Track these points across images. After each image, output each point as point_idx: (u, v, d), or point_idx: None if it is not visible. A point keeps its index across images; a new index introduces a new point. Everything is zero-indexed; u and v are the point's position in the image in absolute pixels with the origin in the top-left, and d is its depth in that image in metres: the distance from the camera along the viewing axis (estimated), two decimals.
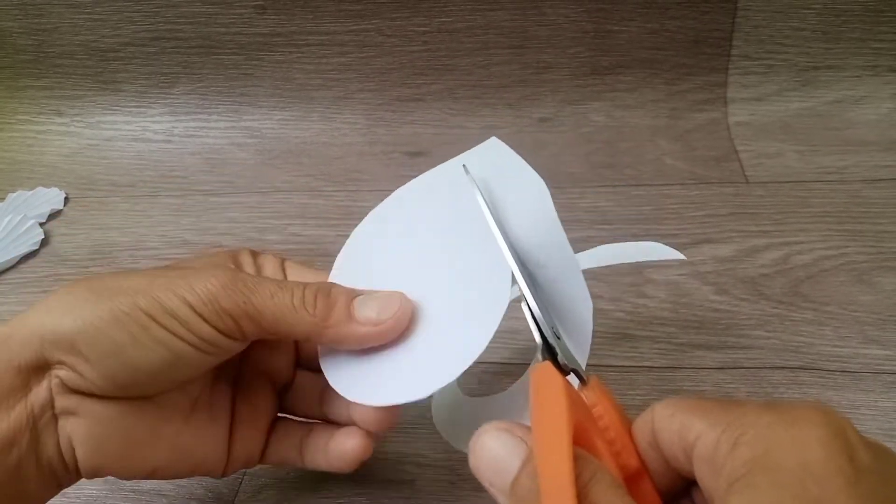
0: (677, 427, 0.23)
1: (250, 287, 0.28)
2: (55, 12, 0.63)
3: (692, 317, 0.46)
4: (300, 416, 0.35)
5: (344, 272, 0.33)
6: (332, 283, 0.31)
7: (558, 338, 0.27)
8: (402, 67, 0.65)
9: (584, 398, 0.25)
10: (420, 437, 0.39)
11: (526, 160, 0.62)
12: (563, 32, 0.63)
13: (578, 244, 0.52)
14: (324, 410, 0.34)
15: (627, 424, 0.25)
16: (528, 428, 0.23)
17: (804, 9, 0.62)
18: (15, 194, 0.60)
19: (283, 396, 0.35)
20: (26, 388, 0.26)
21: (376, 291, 0.31)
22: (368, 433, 0.32)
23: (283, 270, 0.34)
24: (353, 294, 0.30)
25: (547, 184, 0.59)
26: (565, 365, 0.26)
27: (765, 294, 0.47)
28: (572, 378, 0.26)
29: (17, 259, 0.54)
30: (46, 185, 0.61)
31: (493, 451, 0.23)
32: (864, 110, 0.63)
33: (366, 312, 0.29)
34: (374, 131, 0.65)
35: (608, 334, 0.44)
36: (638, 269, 0.50)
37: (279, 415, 0.35)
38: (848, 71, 0.63)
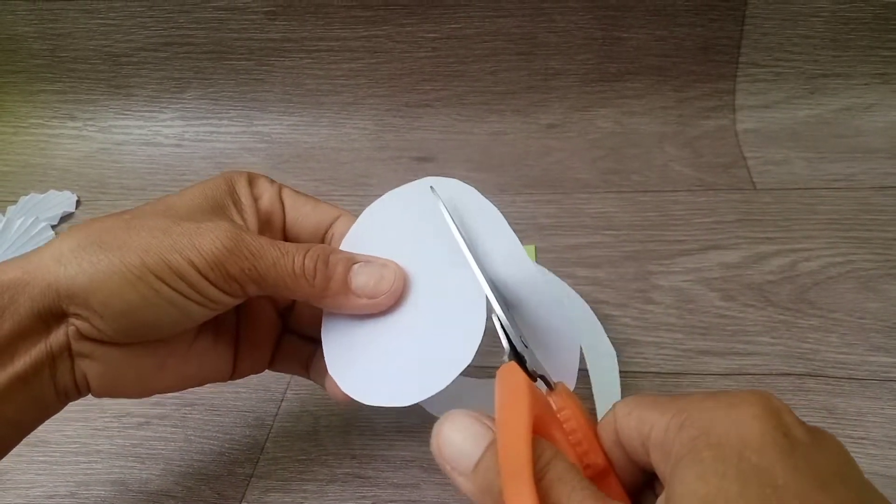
0: (635, 422, 0.24)
1: (254, 253, 0.29)
2: (69, 18, 0.64)
3: (699, 323, 0.46)
4: (304, 335, 0.36)
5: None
6: (331, 249, 0.32)
7: (526, 346, 0.28)
8: (410, 73, 0.65)
9: (552, 402, 0.27)
10: (425, 442, 0.39)
11: (534, 165, 0.63)
12: (572, 39, 0.63)
13: (584, 249, 0.52)
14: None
15: (593, 426, 0.26)
16: (487, 417, 0.25)
17: (812, 17, 0.62)
18: (27, 197, 0.61)
19: (287, 316, 0.36)
20: (46, 331, 0.28)
21: (373, 259, 0.32)
22: None
23: (281, 199, 0.34)
24: (351, 261, 0.32)
25: (554, 189, 0.59)
26: (533, 371, 0.27)
27: (771, 300, 0.47)
28: (540, 384, 0.27)
29: None
30: (58, 188, 0.62)
31: (458, 436, 0.24)
32: (872, 118, 0.63)
33: (362, 282, 0.31)
34: (383, 136, 0.66)
35: (614, 340, 0.44)
36: (645, 275, 0.50)
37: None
38: (856, 79, 0.63)
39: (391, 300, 0.31)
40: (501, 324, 0.29)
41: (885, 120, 0.63)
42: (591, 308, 0.46)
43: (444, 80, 0.65)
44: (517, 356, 0.28)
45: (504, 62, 0.65)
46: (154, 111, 0.67)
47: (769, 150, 0.62)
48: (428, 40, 0.64)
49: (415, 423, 0.40)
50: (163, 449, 0.40)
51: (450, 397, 0.29)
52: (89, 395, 0.31)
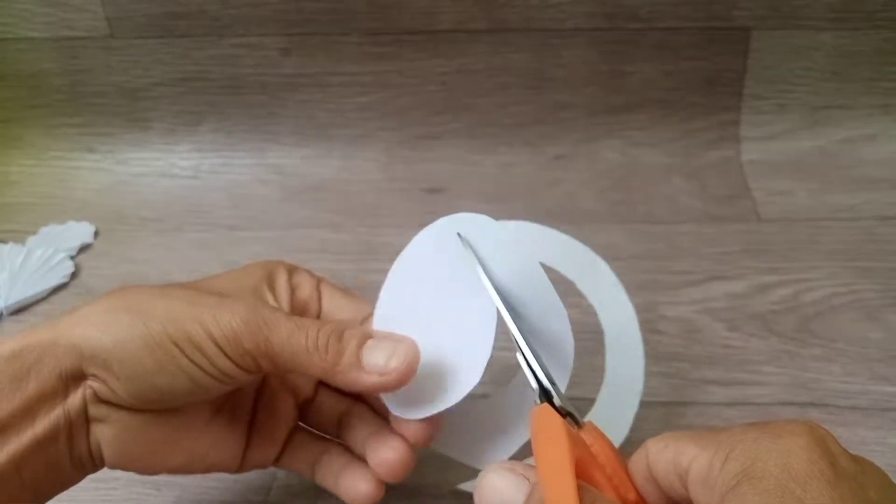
0: (671, 456, 0.24)
1: (270, 326, 0.29)
2: (90, 54, 0.66)
3: (704, 352, 0.47)
4: (318, 432, 0.36)
5: (381, 312, 0.35)
6: (346, 324, 0.32)
7: (553, 384, 0.29)
8: (421, 107, 0.67)
9: (585, 440, 0.27)
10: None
11: (542, 197, 0.64)
12: (579, 73, 0.65)
13: None
14: (341, 433, 0.35)
15: (623, 462, 0.26)
16: (529, 466, 0.25)
17: (814, 50, 0.63)
18: (47, 228, 0.63)
19: (304, 410, 0.36)
20: (65, 393, 0.29)
21: (387, 336, 0.32)
22: (380, 480, 0.33)
23: (319, 291, 0.35)
24: (364, 338, 0.31)
25: (562, 220, 0.60)
26: (562, 408, 0.28)
27: (775, 330, 0.48)
28: (568, 421, 0.28)
29: (49, 291, 0.56)
30: (77, 220, 0.63)
31: (498, 488, 0.25)
32: (875, 149, 0.64)
33: (373, 360, 0.31)
34: (394, 168, 0.67)
35: None
36: (651, 305, 0.51)
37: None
38: (859, 110, 0.65)
39: (402, 377, 0.31)
40: (528, 363, 0.29)
41: (888, 151, 0.64)
42: (595, 337, 0.46)
43: (453, 113, 0.67)
44: (546, 396, 0.29)
45: (512, 95, 0.66)
46: (170, 144, 0.69)
47: (773, 181, 0.63)
48: (437, 74, 0.65)
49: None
50: (179, 477, 0.41)
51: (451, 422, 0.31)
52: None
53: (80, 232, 0.62)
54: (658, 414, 0.43)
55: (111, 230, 0.63)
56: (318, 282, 0.36)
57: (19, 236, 0.62)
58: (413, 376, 0.31)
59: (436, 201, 0.63)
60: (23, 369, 0.28)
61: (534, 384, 0.29)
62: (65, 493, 0.40)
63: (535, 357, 0.29)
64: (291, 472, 0.37)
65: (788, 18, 0.62)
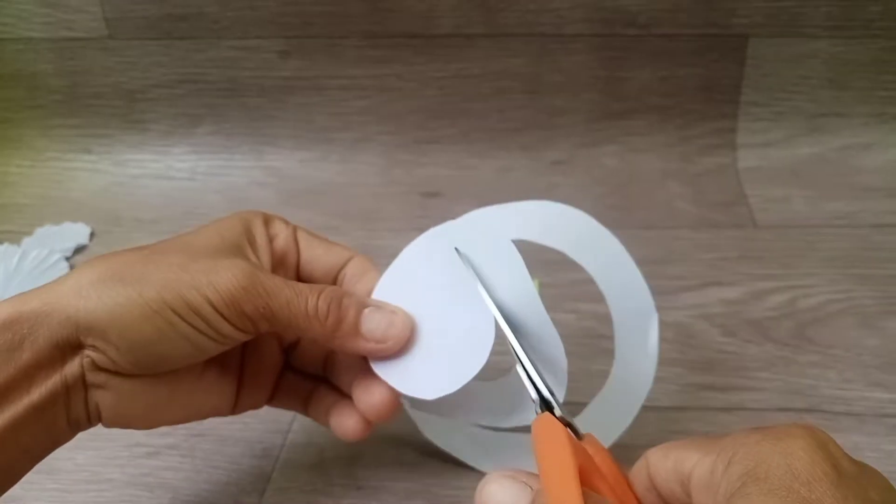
0: (672, 464, 0.24)
1: (269, 292, 0.30)
2: (88, 56, 0.66)
3: (700, 358, 0.47)
4: (306, 373, 0.37)
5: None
6: (344, 291, 0.33)
7: (552, 395, 0.29)
8: (419, 111, 0.67)
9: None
10: (427, 474, 0.40)
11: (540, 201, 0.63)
12: (577, 79, 0.65)
13: (588, 284, 0.53)
14: (327, 373, 0.37)
15: (625, 472, 0.27)
16: (531, 474, 0.25)
17: (811, 58, 0.63)
18: (43, 229, 0.63)
19: (290, 353, 0.37)
20: (62, 361, 0.29)
21: (383, 305, 0.34)
22: (368, 419, 0.34)
23: (296, 239, 0.36)
24: (362, 305, 0.33)
25: None
26: (562, 418, 0.28)
27: (771, 336, 0.48)
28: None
29: None
30: (73, 221, 0.63)
31: (500, 497, 0.25)
32: (871, 157, 0.64)
33: (373, 326, 0.32)
34: (392, 172, 0.67)
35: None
36: None
37: None
38: (855, 118, 0.65)
39: (397, 346, 0.33)
40: (528, 374, 0.30)
41: (884, 159, 0.64)
42: (592, 342, 0.47)
43: (451, 117, 0.67)
44: (547, 406, 0.29)
45: (510, 100, 0.66)
46: (168, 146, 0.69)
47: (770, 187, 0.63)
48: (436, 79, 0.65)
49: (417, 456, 0.41)
50: (171, 478, 0.41)
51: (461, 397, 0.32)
52: (99, 427, 0.32)
53: (76, 233, 0.62)
54: (654, 419, 0.43)
55: (107, 232, 0.63)
56: (294, 229, 0.36)
57: (15, 237, 0.62)
58: (407, 344, 0.33)
59: (433, 205, 0.64)
60: (16, 339, 0.28)
61: (534, 395, 0.30)
62: (56, 494, 0.40)
63: (534, 368, 0.30)
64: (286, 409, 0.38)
65: (786, 26, 0.62)
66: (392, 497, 0.39)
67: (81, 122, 0.69)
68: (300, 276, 0.36)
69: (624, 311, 0.38)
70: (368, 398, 0.34)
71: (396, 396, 0.34)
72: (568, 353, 0.32)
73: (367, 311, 0.33)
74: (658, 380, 0.45)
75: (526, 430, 0.34)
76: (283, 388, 0.37)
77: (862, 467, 0.22)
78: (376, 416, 0.34)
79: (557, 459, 0.24)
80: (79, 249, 0.61)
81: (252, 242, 0.34)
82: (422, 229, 0.61)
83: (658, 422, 0.43)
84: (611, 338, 0.48)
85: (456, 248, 0.34)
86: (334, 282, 0.36)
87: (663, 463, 0.25)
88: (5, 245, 0.60)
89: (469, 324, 0.32)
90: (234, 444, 0.43)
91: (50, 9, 0.64)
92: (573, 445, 0.24)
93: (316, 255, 0.36)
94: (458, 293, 0.33)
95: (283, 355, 0.37)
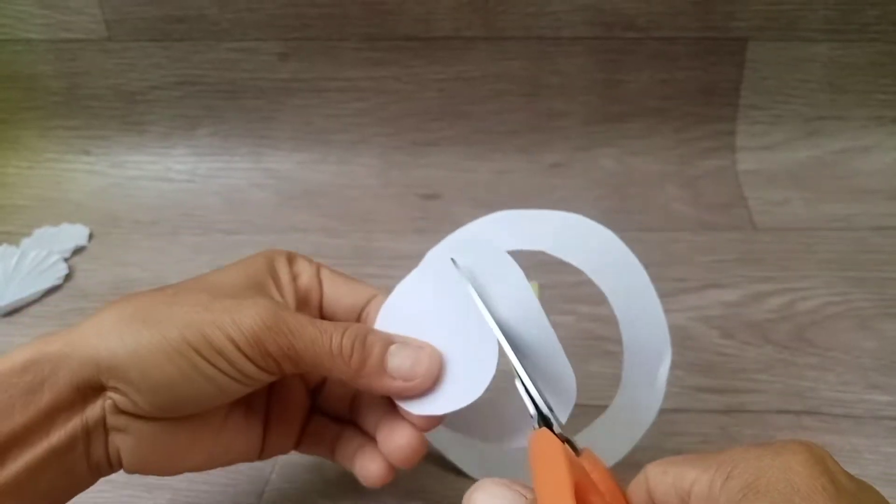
0: (671, 479, 0.24)
1: (293, 330, 0.29)
2: (87, 57, 0.66)
3: (699, 360, 0.47)
4: (332, 416, 0.36)
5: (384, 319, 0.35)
6: (369, 329, 0.32)
7: (551, 410, 0.29)
8: (417, 113, 0.67)
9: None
10: (428, 475, 0.40)
11: (537, 204, 0.64)
12: (575, 81, 0.65)
13: (587, 286, 0.53)
14: (353, 415, 0.36)
15: (622, 489, 0.27)
16: (525, 485, 0.25)
17: (810, 61, 0.63)
18: (41, 230, 0.62)
19: (316, 396, 0.37)
20: (83, 403, 0.28)
21: (410, 341, 0.32)
22: (392, 464, 0.33)
23: (319, 278, 0.35)
24: (388, 343, 0.32)
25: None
26: (560, 434, 0.28)
27: (770, 339, 0.48)
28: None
29: (42, 293, 0.56)
30: (72, 222, 0.63)
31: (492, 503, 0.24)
32: (869, 160, 0.64)
33: (398, 364, 0.31)
34: (389, 174, 0.67)
35: (616, 376, 0.44)
36: None
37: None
38: (853, 121, 0.65)
39: (426, 384, 0.31)
40: (527, 389, 0.30)
41: (883, 162, 0.64)
42: (590, 344, 0.47)
43: (450, 119, 0.67)
44: (545, 421, 0.29)
45: (509, 103, 0.66)
46: (166, 147, 0.69)
47: (769, 190, 0.63)
48: (435, 81, 0.65)
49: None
50: (171, 479, 0.41)
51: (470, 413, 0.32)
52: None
53: (75, 234, 0.62)
54: (654, 420, 0.43)
55: (106, 233, 0.63)
56: (318, 268, 0.36)
57: (13, 238, 0.62)
58: (435, 382, 0.31)
59: (431, 207, 0.63)
60: (36, 381, 0.27)
61: (532, 410, 0.29)
62: None
63: (533, 384, 0.30)
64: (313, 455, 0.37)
65: (785, 30, 0.62)
66: (391, 498, 0.39)
67: (80, 123, 0.69)
68: (323, 314, 0.35)
69: (637, 341, 0.37)
70: (392, 441, 0.33)
71: (422, 440, 0.33)
72: (566, 355, 0.31)
73: (392, 347, 0.32)
74: None
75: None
76: (310, 431, 0.36)
77: (859, 483, 0.22)
78: (400, 461, 0.33)
79: (553, 474, 0.24)
80: (77, 250, 0.61)
81: (276, 280, 0.33)
82: (420, 231, 0.62)
83: (657, 424, 0.42)
84: (609, 339, 0.49)
85: (452, 259, 0.33)
86: (358, 320, 0.35)
87: (662, 478, 0.25)
88: (4, 246, 0.60)
89: (475, 342, 0.32)
90: None
91: (49, 10, 0.64)
92: (569, 461, 0.24)
93: (339, 294, 0.35)
94: (461, 312, 0.33)
95: (310, 398, 0.36)
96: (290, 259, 0.35)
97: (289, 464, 0.41)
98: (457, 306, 0.33)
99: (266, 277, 0.33)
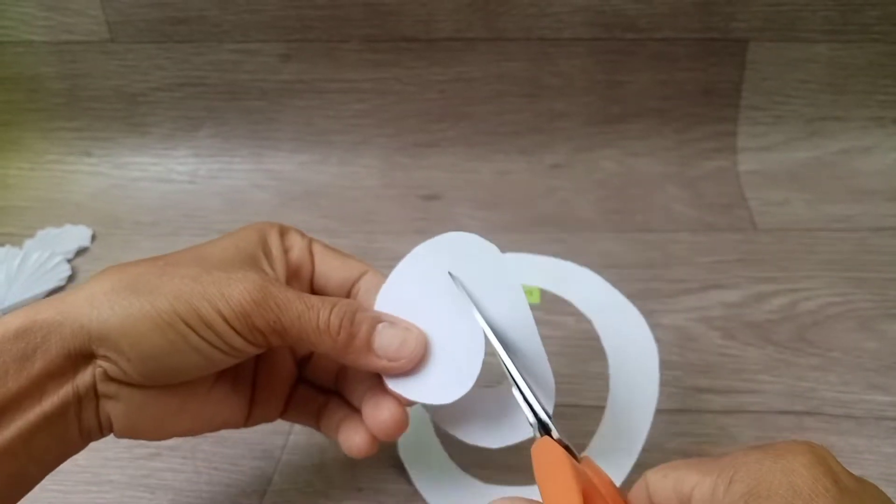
0: (672, 484, 0.24)
1: (280, 305, 0.30)
2: (89, 59, 0.66)
3: (699, 361, 0.47)
4: (318, 386, 0.37)
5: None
6: (358, 305, 0.32)
7: (549, 417, 0.29)
8: (418, 114, 0.67)
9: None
10: None
11: (538, 205, 0.64)
12: (576, 82, 0.65)
13: None
14: (339, 386, 0.36)
15: (624, 495, 0.27)
16: (530, 500, 0.25)
17: (810, 62, 0.63)
18: (44, 231, 0.63)
19: (303, 366, 0.37)
20: (74, 370, 0.29)
21: (397, 321, 0.33)
22: (376, 436, 0.34)
23: (311, 252, 0.35)
24: (376, 321, 0.32)
25: (559, 228, 0.61)
26: (560, 440, 0.28)
27: (771, 339, 0.48)
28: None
29: (45, 294, 0.56)
30: (74, 223, 0.63)
31: None
32: (870, 160, 0.64)
33: (385, 343, 0.32)
34: (391, 175, 0.67)
35: None
36: (647, 312, 0.51)
37: None
38: (854, 122, 0.65)
39: (410, 364, 0.32)
40: (525, 397, 0.30)
41: (883, 162, 0.64)
42: (589, 344, 0.47)
43: (451, 120, 0.67)
44: (545, 429, 0.29)
45: (509, 104, 0.66)
46: (168, 149, 0.69)
47: (770, 191, 0.63)
48: (436, 82, 0.66)
49: None
50: (172, 480, 0.41)
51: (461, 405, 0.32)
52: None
53: (77, 235, 0.62)
54: (655, 421, 0.42)
55: (108, 234, 0.63)
56: (310, 242, 0.36)
57: (16, 239, 0.62)
58: (419, 363, 0.32)
59: (432, 208, 0.64)
60: (28, 348, 0.28)
61: (531, 418, 0.30)
62: (57, 495, 0.40)
63: (531, 392, 0.30)
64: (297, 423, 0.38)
65: (785, 31, 0.63)
66: (392, 499, 0.39)
67: (82, 124, 0.69)
68: (314, 289, 0.36)
69: (626, 372, 0.38)
70: (377, 414, 0.33)
71: (405, 414, 0.33)
72: (566, 356, 0.32)
73: (380, 326, 0.32)
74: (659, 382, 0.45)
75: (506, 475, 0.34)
76: (296, 401, 0.37)
77: (862, 482, 0.22)
78: (383, 433, 0.33)
79: (560, 483, 0.24)
80: (80, 251, 0.61)
81: (268, 254, 0.33)
82: (421, 232, 0.62)
83: (658, 424, 0.42)
84: None
85: (450, 273, 0.33)
86: (348, 295, 0.36)
87: (663, 484, 0.25)
88: (7, 247, 0.60)
89: (465, 341, 0.32)
90: (234, 445, 0.43)
91: (51, 12, 0.65)
92: (574, 468, 0.25)
93: (330, 268, 0.36)
94: (453, 303, 0.33)
95: (297, 368, 0.37)
96: (282, 232, 0.35)
97: (291, 464, 0.42)
98: (451, 304, 0.33)
99: (257, 250, 0.33)
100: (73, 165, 0.69)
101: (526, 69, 0.65)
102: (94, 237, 0.62)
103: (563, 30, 0.63)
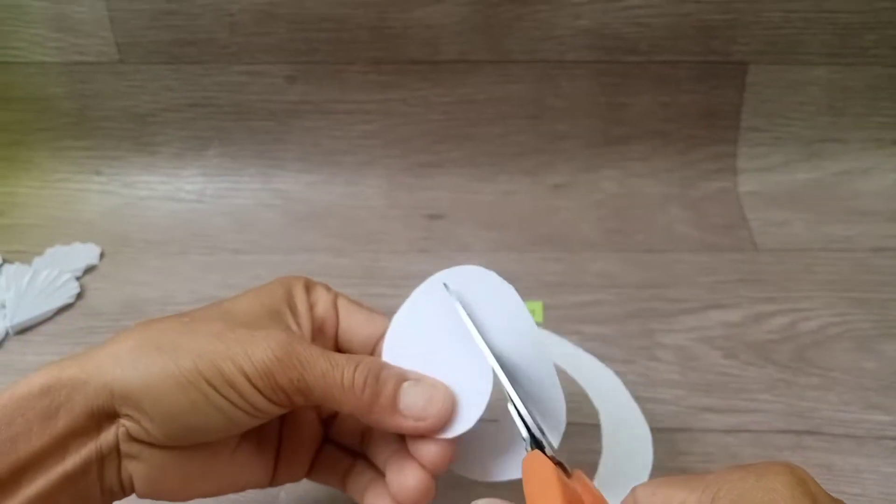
0: (660, 500, 0.25)
1: (304, 363, 0.30)
2: (99, 79, 0.67)
3: (700, 380, 0.48)
4: (344, 447, 0.36)
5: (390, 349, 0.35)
6: (382, 364, 0.32)
7: (543, 434, 0.30)
8: (423, 135, 0.68)
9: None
10: None
11: (540, 225, 0.65)
12: (578, 104, 0.66)
13: (590, 307, 0.54)
14: (364, 448, 0.35)
15: None
16: None
17: (810, 84, 0.64)
18: (53, 249, 0.63)
19: (329, 426, 0.37)
20: (98, 430, 0.29)
21: (423, 379, 0.32)
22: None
23: (336, 307, 0.35)
24: (401, 379, 0.32)
25: (561, 247, 0.61)
26: (552, 457, 0.29)
27: (772, 359, 0.49)
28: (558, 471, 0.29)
29: (54, 311, 0.56)
30: (83, 241, 0.64)
31: None
32: (869, 181, 0.65)
33: (411, 402, 0.31)
34: (396, 195, 0.68)
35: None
36: (648, 332, 0.51)
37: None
38: (853, 144, 0.66)
39: (439, 424, 0.31)
40: (519, 413, 0.30)
41: (882, 184, 0.65)
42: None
43: (455, 141, 0.68)
44: (537, 444, 0.29)
45: (513, 125, 0.67)
46: (177, 168, 0.70)
47: (770, 211, 0.64)
48: (440, 104, 0.67)
49: None
50: None
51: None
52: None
53: (86, 253, 0.63)
54: (655, 440, 0.43)
55: (117, 252, 0.64)
56: (335, 297, 0.36)
57: (26, 257, 0.62)
58: (448, 423, 0.31)
59: (437, 227, 0.64)
60: (52, 406, 0.28)
61: (524, 434, 0.30)
62: None
63: (525, 408, 0.30)
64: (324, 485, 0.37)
65: (785, 54, 0.63)
66: None
67: (92, 144, 0.70)
68: (339, 345, 0.36)
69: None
70: (401, 481, 0.32)
71: (431, 482, 0.32)
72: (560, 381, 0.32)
73: (405, 385, 0.32)
74: (659, 401, 0.46)
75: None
76: (322, 461, 0.36)
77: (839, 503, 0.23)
78: (409, 502, 0.32)
79: (545, 496, 0.24)
80: (89, 269, 0.62)
81: (293, 310, 0.33)
82: (424, 251, 0.63)
83: (659, 443, 0.43)
84: (613, 359, 0.49)
85: (444, 284, 0.34)
86: (373, 351, 0.35)
87: (651, 500, 0.25)
88: (16, 265, 0.61)
89: (471, 370, 0.32)
90: None
91: (62, 33, 0.66)
92: (562, 483, 0.25)
93: (356, 323, 0.35)
94: (460, 339, 0.33)
95: (323, 428, 0.36)
96: (308, 287, 0.35)
97: (298, 484, 0.42)
98: (453, 334, 0.33)
99: (283, 306, 0.33)
100: (83, 184, 0.70)
101: (529, 91, 0.66)
102: (102, 255, 0.63)
103: (566, 52, 0.64)
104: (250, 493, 0.41)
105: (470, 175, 0.68)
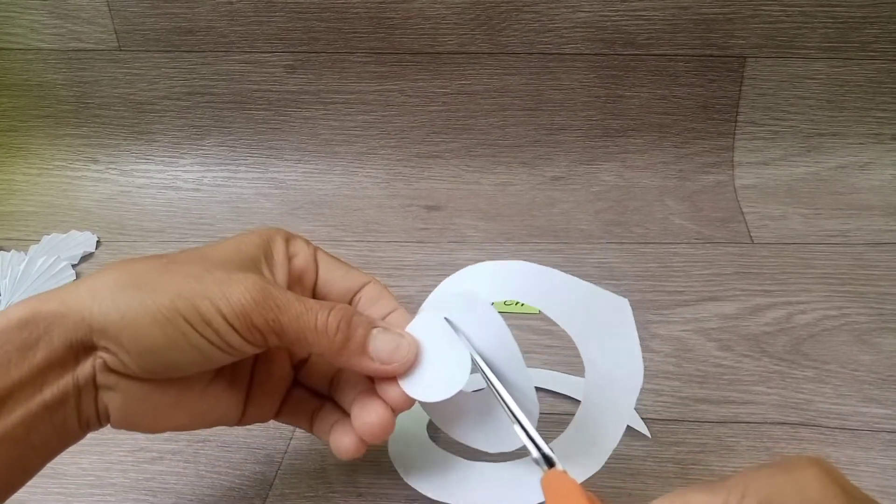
0: None
1: (280, 305, 0.31)
2: (97, 66, 0.67)
3: (696, 371, 0.48)
4: (312, 390, 0.38)
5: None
6: (354, 310, 0.33)
7: (552, 451, 0.31)
8: (421, 126, 0.68)
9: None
10: None
11: (538, 216, 0.65)
12: (576, 96, 0.66)
13: None
14: (332, 391, 0.37)
15: None
16: None
17: (808, 79, 0.64)
18: (49, 236, 0.63)
19: (299, 370, 0.38)
20: (75, 361, 0.29)
21: (391, 328, 0.34)
22: (363, 438, 0.35)
23: (315, 260, 0.36)
24: (371, 325, 0.34)
25: (558, 239, 0.61)
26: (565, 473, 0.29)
27: (767, 351, 0.49)
28: None
29: None
30: (80, 229, 0.64)
31: None
32: (867, 176, 0.65)
33: (379, 347, 0.33)
34: (394, 185, 0.68)
35: None
36: (644, 324, 0.52)
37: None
38: (851, 138, 0.66)
39: (402, 369, 0.34)
40: (528, 434, 0.31)
41: (880, 178, 0.65)
42: None
43: (453, 132, 0.68)
44: (548, 462, 0.30)
45: (511, 117, 0.67)
46: (174, 157, 0.70)
47: (767, 205, 0.64)
48: (439, 95, 0.67)
49: None
50: (175, 483, 0.42)
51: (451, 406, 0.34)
52: (103, 431, 0.32)
53: (83, 241, 0.63)
54: (650, 431, 0.43)
55: (113, 240, 0.64)
56: (315, 250, 0.37)
57: (22, 244, 0.62)
58: (411, 368, 0.34)
59: (434, 218, 0.64)
60: (31, 338, 0.28)
61: (535, 454, 0.31)
62: (60, 498, 0.41)
63: (534, 428, 0.31)
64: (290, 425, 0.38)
65: (783, 48, 0.63)
66: (392, 503, 0.40)
67: (89, 131, 0.70)
68: (316, 296, 0.36)
69: (603, 379, 0.37)
70: (364, 417, 0.34)
71: (391, 417, 0.34)
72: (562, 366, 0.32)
73: (375, 331, 0.33)
74: (654, 392, 0.46)
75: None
76: (291, 403, 0.37)
77: (867, 497, 0.23)
78: (370, 435, 0.34)
79: None
80: (85, 257, 0.62)
81: (269, 259, 0.34)
82: (422, 242, 0.63)
83: (654, 433, 0.43)
84: None
85: (446, 318, 0.35)
86: (350, 304, 0.36)
87: None
88: (12, 252, 0.61)
89: (456, 353, 0.34)
90: (237, 450, 0.43)
91: (61, 20, 0.66)
92: (589, 499, 0.26)
93: (334, 277, 0.36)
94: (450, 338, 0.35)
95: (293, 371, 0.38)
96: (288, 238, 0.36)
97: (292, 469, 0.42)
98: (448, 336, 0.35)
99: (259, 254, 0.34)
100: (80, 172, 0.70)
101: (528, 83, 0.66)
102: (99, 243, 0.63)
103: (564, 45, 0.64)
104: (245, 478, 0.41)
105: (468, 166, 0.68)
